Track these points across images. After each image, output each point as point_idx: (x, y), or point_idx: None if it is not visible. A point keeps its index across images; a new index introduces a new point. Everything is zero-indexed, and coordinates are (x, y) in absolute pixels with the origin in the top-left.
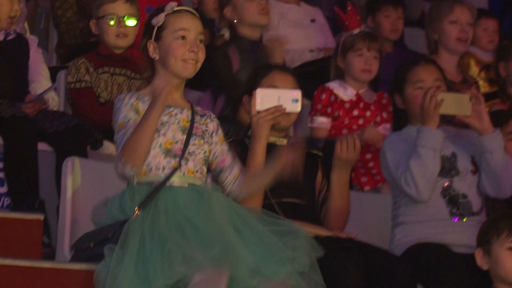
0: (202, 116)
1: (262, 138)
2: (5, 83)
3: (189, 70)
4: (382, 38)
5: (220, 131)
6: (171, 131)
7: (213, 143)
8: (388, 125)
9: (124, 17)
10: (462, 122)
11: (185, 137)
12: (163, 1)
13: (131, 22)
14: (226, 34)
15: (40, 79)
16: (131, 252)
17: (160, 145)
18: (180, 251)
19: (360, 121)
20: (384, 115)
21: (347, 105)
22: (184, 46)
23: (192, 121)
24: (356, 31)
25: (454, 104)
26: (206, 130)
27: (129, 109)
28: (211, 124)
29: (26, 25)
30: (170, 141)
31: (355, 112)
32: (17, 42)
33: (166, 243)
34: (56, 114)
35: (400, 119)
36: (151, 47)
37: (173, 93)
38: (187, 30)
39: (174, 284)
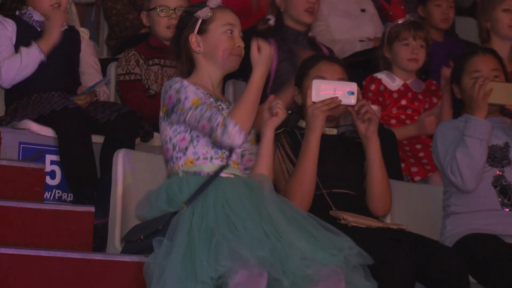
0: None
1: (317, 129)
2: (57, 75)
3: (236, 63)
4: (433, 27)
5: (251, 131)
6: (221, 113)
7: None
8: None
9: (175, 9)
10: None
11: None
12: None
13: None
14: (271, 20)
15: (91, 71)
16: (179, 245)
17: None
18: (227, 245)
19: (409, 111)
20: (434, 100)
21: (395, 95)
22: (233, 40)
23: None
24: (401, 20)
25: (504, 93)
26: None
27: (194, 89)
28: None
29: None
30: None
31: (403, 102)
32: (69, 34)
33: (214, 236)
34: (107, 104)
35: (458, 109)
36: (194, 40)
37: (216, 88)
38: (233, 25)
39: (218, 279)
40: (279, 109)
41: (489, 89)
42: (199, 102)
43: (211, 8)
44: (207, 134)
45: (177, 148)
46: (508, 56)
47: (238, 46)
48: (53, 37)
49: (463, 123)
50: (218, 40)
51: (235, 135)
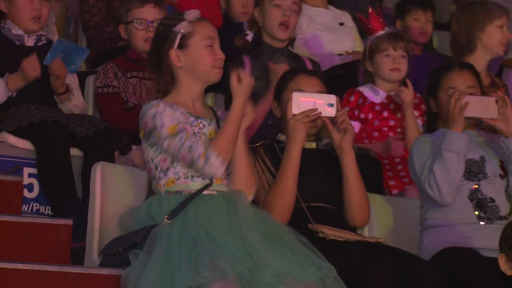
0: None
1: (298, 140)
2: (35, 89)
3: (219, 75)
4: (411, 41)
5: None
6: (201, 143)
7: None
8: (420, 122)
9: (152, 22)
10: (489, 125)
11: None
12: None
13: None
14: (249, 36)
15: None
16: (157, 256)
17: None
18: (208, 257)
19: (391, 122)
20: (416, 113)
21: (377, 107)
22: (214, 54)
23: None
24: (380, 32)
25: (480, 107)
26: None
27: (171, 112)
28: None
29: (55, 28)
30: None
31: (385, 114)
32: (47, 48)
33: (195, 246)
34: (86, 118)
35: (434, 123)
36: (175, 55)
37: (196, 102)
38: (213, 38)
39: None
40: (249, 109)
41: (465, 103)
42: (176, 129)
43: (190, 22)
44: (187, 164)
45: (159, 168)
46: (484, 71)
47: (220, 59)
48: (23, 81)
49: (439, 137)
50: (199, 55)
51: (217, 166)
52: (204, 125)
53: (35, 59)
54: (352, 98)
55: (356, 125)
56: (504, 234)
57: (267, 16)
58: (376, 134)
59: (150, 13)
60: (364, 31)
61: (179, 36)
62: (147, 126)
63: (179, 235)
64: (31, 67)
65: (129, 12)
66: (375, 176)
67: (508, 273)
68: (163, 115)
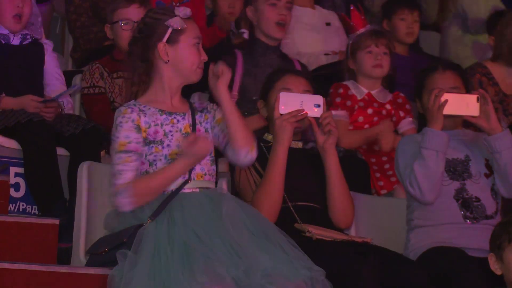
0: (201, 111)
1: (285, 140)
2: (21, 88)
3: (200, 76)
4: (397, 41)
5: (217, 113)
6: (175, 141)
7: (214, 130)
8: (410, 119)
9: (138, 22)
10: (470, 122)
11: None
12: None
13: None
14: (245, 34)
15: (55, 83)
16: (145, 256)
17: (166, 157)
18: (203, 262)
19: (375, 120)
20: (401, 113)
21: (361, 104)
22: (200, 54)
23: (194, 125)
24: (361, 30)
25: (461, 104)
26: (207, 127)
27: (131, 126)
28: (210, 115)
29: (42, 29)
30: (176, 151)
31: (370, 111)
32: (32, 47)
33: (188, 250)
34: (72, 117)
35: (423, 123)
36: (162, 49)
37: (174, 98)
38: (200, 38)
39: None
40: (223, 68)
41: (444, 101)
42: (124, 148)
43: (182, 19)
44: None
45: (139, 172)
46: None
47: (203, 59)
48: (18, 107)
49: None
50: (188, 53)
51: (123, 204)
52: (178, 120)
53: (41, 106)
54: (341, 90)
55: (347, 115)
56: (494, 233)
57: (262, 15)
58: None
59: (136, 13)
60: (346, 29)
61: (169, 31)
62: (112, 132)
63: (167, 237)
64: (35, 109)
65: (114, 12)
66: (363, 177)
67: (498, 272)
68: (123, 128)
